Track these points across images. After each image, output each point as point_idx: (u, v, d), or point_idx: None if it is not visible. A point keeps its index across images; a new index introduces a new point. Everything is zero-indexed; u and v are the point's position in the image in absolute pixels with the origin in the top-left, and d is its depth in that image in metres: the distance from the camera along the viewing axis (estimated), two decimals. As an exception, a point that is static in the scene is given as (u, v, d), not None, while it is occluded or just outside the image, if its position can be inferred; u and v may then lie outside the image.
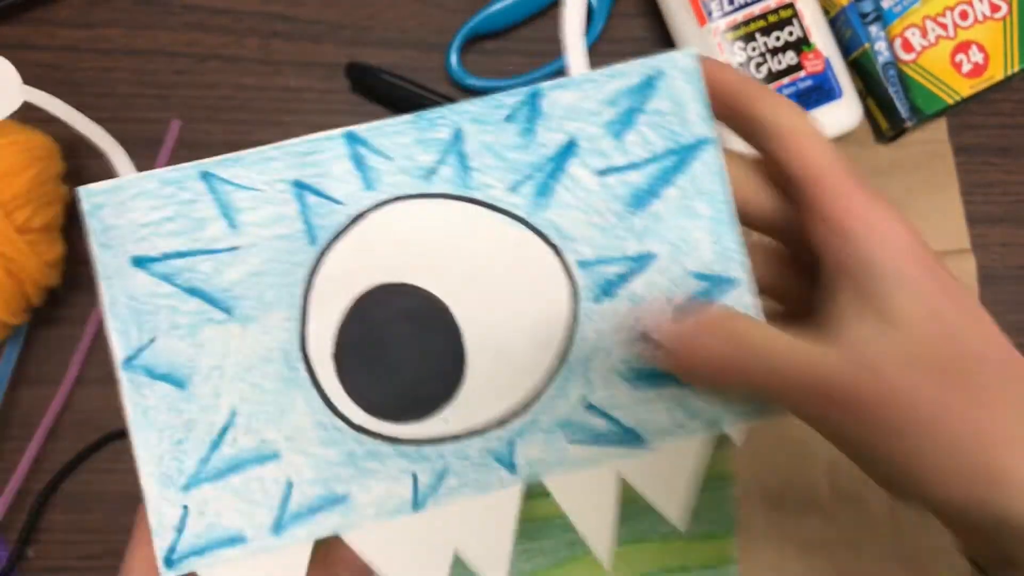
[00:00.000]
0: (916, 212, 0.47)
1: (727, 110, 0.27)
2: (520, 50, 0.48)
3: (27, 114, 0.48)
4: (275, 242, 0.26)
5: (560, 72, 0.48)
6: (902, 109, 0.45)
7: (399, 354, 0.27)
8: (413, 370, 0.27)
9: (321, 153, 0.26)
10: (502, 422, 0.27)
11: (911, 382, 0.24)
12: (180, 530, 0.26)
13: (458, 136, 0.26)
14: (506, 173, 0.27)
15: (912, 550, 0.44)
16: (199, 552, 0.26)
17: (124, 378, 0.27)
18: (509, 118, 0.27)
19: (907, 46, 0.45)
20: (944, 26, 0.45)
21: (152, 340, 0.27)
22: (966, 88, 0.45)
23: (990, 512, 0.25)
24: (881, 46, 0.45)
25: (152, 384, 0.27)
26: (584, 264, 0.27)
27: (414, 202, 0.27)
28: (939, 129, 0.48)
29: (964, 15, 0.46)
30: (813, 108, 0.44)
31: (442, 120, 0.26)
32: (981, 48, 0.45)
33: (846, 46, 0.46)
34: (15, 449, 0.46)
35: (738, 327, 0.26)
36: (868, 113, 0.47)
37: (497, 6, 0.46)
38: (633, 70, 0.27)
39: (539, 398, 0.27)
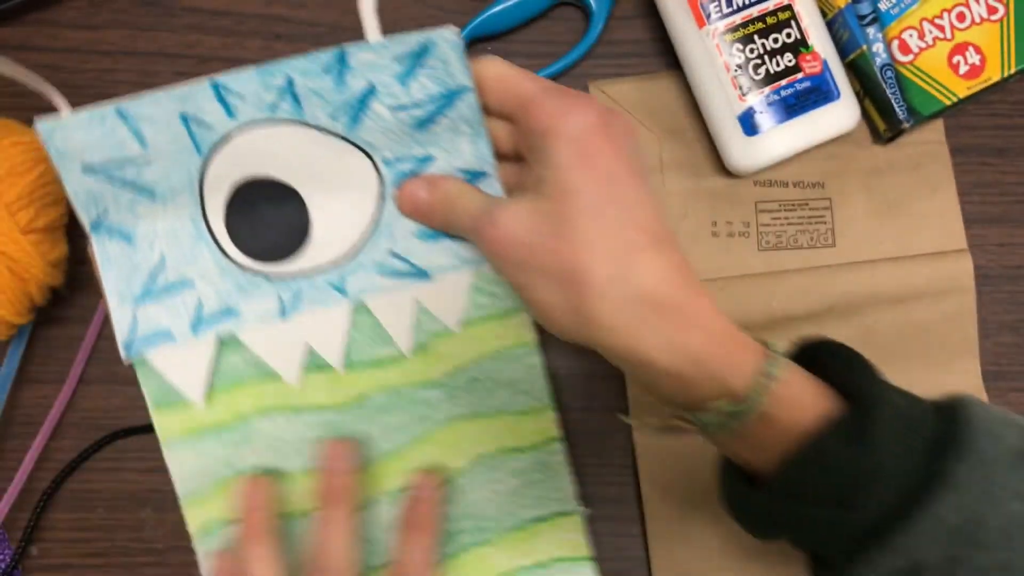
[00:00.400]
0: (913, 212, 0.47)
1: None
2: (521, 51, 0.48)
3: (32, 116, 0.48)
4: (175, 154, 0.38)
5: (560, 73, 0.48)
6: (899, 110, 0.45)
7: (266, 221, 0.40)
8: (276, 231, 0.40)
9: (196, 96, 0.37)
10: (336, 263, 0.40)
11: (527, 237, 0.33)
12: (133, 330, 0.40)
13: (290, 83, 0.37)
14: (327, 108, 0.38)
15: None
16: (145, 343, 0.40)
17: (92, 238, 0.39)
18: (326, 70, 0.37)
19: (904, 48, 0.46)
20: (941, 28, 0.46)
21: (106, 213, 0.39)
22: (963, 89, 0.46)
23: (586, 319, 0.32)
24: (878, 48, 0.46)
25: (110, 240, 0.39)
26: (387, 162, 0.39)
27: (266, 127, 0.38)
28: (936, 130, 0.48)
29: (961, 17, 0.46)
30: (811, 109, 0.45)
31: (277, 72, 0.37)
32: (978, 50, 0.46)
33: (844, 48, 0.46)
34: (19, 448, 0.47)
35: (450, 189, 0.37)
36: (865, 114, 0.47)
37: (497, 8, 0.47)
38: (413, 39, 0.37)
39: (360, 248, 0.40)
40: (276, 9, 0.49)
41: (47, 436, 0.46)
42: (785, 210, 0.47)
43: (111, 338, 0.47)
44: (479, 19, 0.47)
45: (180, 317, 0.40)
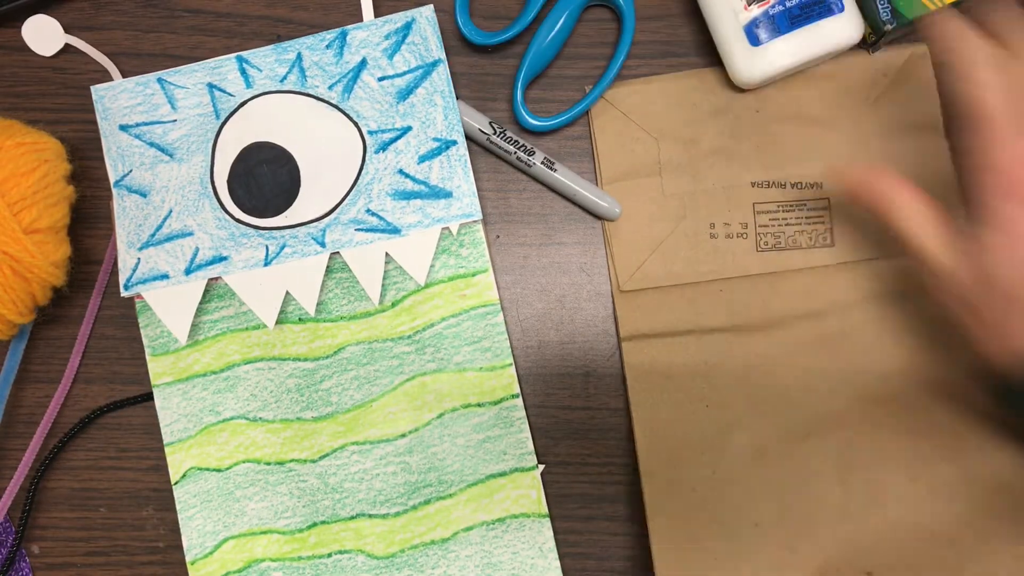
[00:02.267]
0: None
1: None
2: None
3: (35, 116, 0.48)
4: (198, 117, 0.46)
5: (611, 82, 0.48)
6: (883, 11, 0.45)
7: (262, 180, 0.46)
8: (270, 189, 0.46)
9: (223, 67, 0.46)
10: (319, 219, 0.46)
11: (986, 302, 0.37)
12: (134, 270, 0.45)
13: (299, 57, 0.46)
14: (326, 79, 0.46)
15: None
16: (143, 282, 0.45)
17: (115, 192, 0.46)
18: (328, 46, 0.46)
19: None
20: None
21: (130, 171, 0.46)
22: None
23: None
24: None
25: (129, 195, 0.46)
26: (371, 132, 0.46)
27: (274, 95, 0.46)
28: (936, 130, 0.48)
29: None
30: (815, 20, 0.45)
31: (290, 48, 0.46)
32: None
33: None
34: (22, 447, 0.47)
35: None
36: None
37: (539, 45, 0.46)
38: (399, 18, 0.46)
39: (340, 205, 0.46)
40: (278, 11, 0.49)
41: (44, 433, 0.47)
42: (783, 211, 0.47)
43: (110, 338, 0.48)
44: (526, 63, 0.46)
45: (176, 260, 0.45)
